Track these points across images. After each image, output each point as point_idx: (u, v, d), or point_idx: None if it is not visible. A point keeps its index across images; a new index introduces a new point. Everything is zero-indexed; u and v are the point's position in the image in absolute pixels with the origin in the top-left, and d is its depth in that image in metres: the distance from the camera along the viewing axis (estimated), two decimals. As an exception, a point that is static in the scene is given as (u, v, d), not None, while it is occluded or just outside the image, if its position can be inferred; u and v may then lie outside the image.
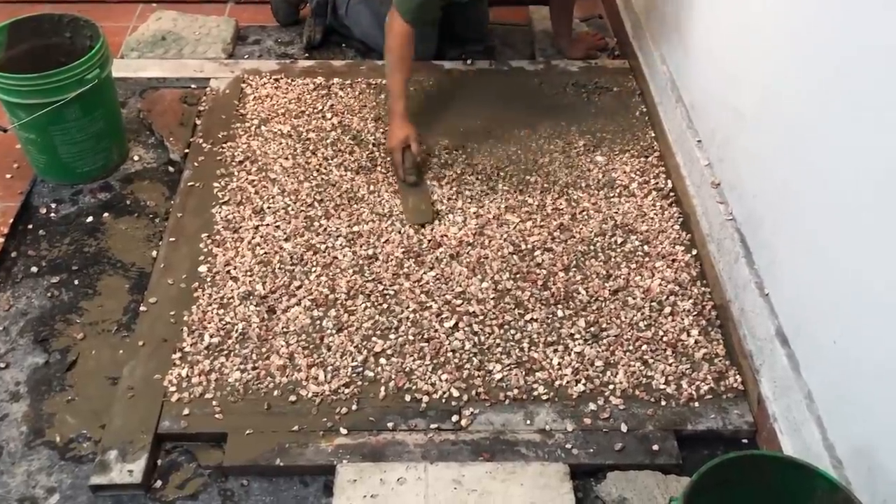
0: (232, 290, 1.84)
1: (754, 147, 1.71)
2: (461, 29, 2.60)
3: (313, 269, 1.89)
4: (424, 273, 1.88)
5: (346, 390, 1.66)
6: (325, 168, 2.17)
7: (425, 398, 1.65)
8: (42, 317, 1.83)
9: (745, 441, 1.63)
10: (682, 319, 1.80)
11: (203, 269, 1.89)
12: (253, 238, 1.96)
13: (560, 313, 1.80)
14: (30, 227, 2.04)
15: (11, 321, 1.83)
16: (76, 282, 1.91)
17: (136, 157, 2.26)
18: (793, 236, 1.55)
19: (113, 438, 1.58)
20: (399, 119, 2.13)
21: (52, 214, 2.08)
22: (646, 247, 1.96)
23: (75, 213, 2.09)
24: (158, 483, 1.55)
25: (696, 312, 1.81)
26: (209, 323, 1.77)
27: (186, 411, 1.62)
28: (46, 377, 1.72)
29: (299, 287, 1.85)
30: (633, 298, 1.84)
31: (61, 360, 1.75)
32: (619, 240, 1.98)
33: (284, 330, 1.76)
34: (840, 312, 1.38)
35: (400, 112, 2.14)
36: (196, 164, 2.18)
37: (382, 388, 1.66)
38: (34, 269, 1.94)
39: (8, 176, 2.18)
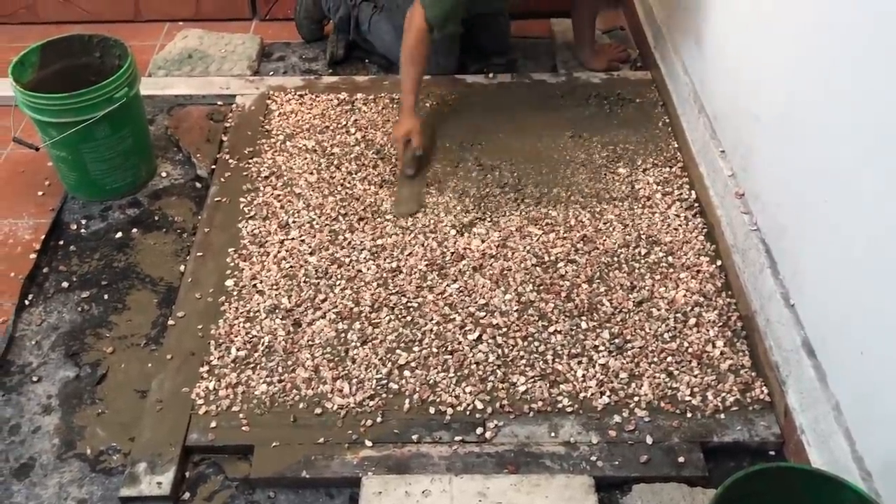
0: (258, 304, 1.86)
1: (777, 156, 1.71)
2: (483, 43, 2.62)
3: (338, 282, 1.91)
4: (448, 285, 1.89)
5: (371, 403, 1.67)
6: (349, 182, 2.19)
7: (449, 410, 1.65)
8: (73, 331, 1.87)
9: (772, 453, 1.61)
10: (708, 330, 1.79)
11: (230, 283, 1.92)
12: (279, 252, 1.99)
13: (584, 325, 1.80)
14: (61, 243, 2.09)
15: (43, 335, 1.86)
16: (106, 296, 1.94)
17: (163, 174, 2.29)
18: (818, 246, 1.54)
19: (142, 451, 1.60)
20: (406, 112, 2.21)
21: (83, 230, 2.12)
22: (670, 258, 1.96)
23: (105, 228, 2.13)
24: (187, 495, 1.57)
25: (721, 323, 1.80)
26: (236, 336, 1.80)
27: (214, 424, 1.64)
28: (77, 390, 1.75)
29: (324, 300, 1.87)
30: (658, 310, 1.83)
31: (92, 374, 1.78)
32: (643, 251, 1.97)
33: (310, 343, 1.78)
34: (867, 323, 1.37)
35: (408, 106, 2.21)
36: (223, 179, 2.21)
37: (407, 401, 1.67)
38: (65, 284, 1.97)
39: (40, 193, 2.23)
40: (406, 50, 2.18)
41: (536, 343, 1.77)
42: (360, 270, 1.94)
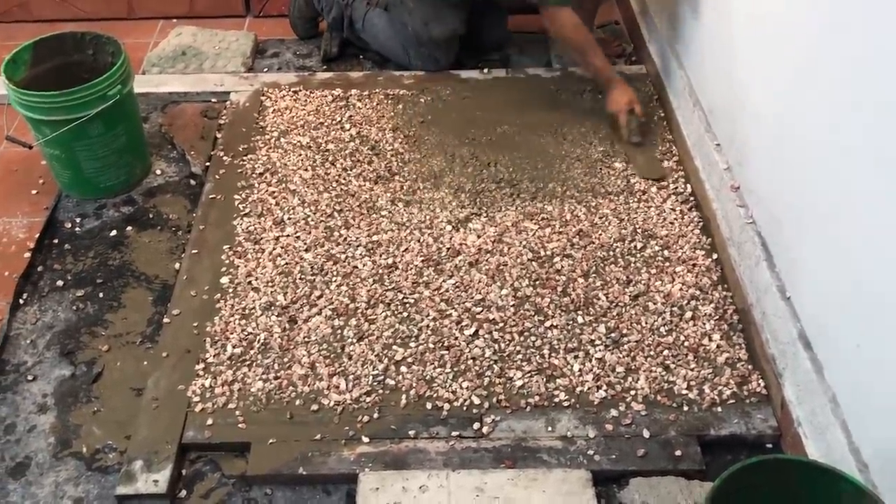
0: (254, 301, 1.86)
1: (773, 149, 1.71)
2: (482, 40, 2.62)
3: (333, 278, 1.91)
4: (444, 281, 1.89)
5: (368, 399, 1.67)
6: (344, 179, 2.18)
7: (446, 406, 1.65)
8: (68, 329, 1.86)
9: (769, 446, 1.61)
10: (704, 324, 1.79)
11: (225, 280, 1.91)
12: (274, 249, 1.98)
13: (580, 319, 1.80)
14: (55, 241, 2.08)
15: (38, 334, 1.85)
16: (101, 295, 1.94)
17: (158, 171, 2.29)
18: (814, 239, 1.54)
19: (138, 449, 1.59)
20: (620, 84, 2.30)
21: (77, 229, 2.11)
22: (666, 251, 1.96)
23: (99, 227, 2.12)
24: (183, 493, 1.57)
25: (717, 317, 1.80)
26: (231, 333, 1.79)
27: (210, 421, 1.63)
28: (73, 389, 1.75)
29: (320, 297, 1.86)
30: (654, 303, 1.83)
31: (87, 372, 1.78)
32: (639, 245, 1.97)
33: (306, 339, 1.77)
34: (863, 315, 1.37)
35: (613, 77, 2.31)
36: (217, 176, 2.21)
37: (403, 397, 1.67)
38: (60, 282, 1.97)
39: (33, 192, 2.22)
40: (580, 40, 2.28)
41: (533, 338, 1.77)
42: (355, 267, 1.93)
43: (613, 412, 1.63)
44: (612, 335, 1.77)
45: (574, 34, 2.27)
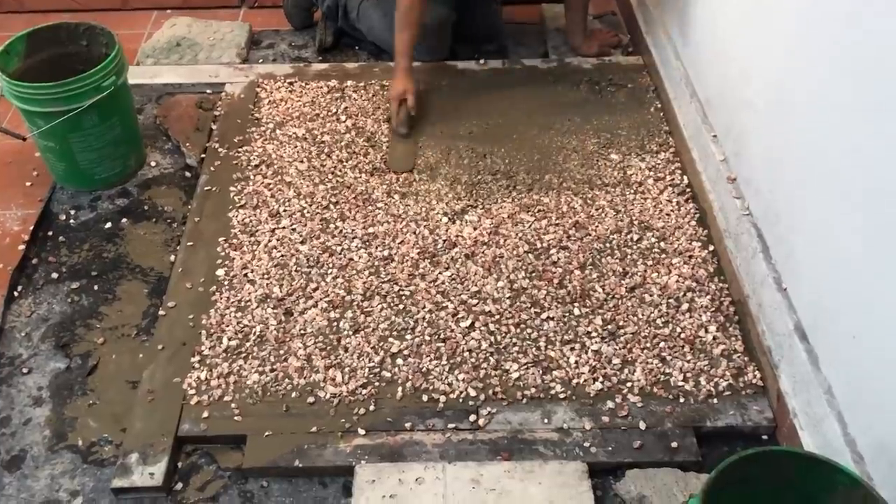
0: (249, 294, 1.85)
1: (770, 141, 1.70)
2: (475, 29, 2.61)
3: (329, 270, 1.90)
4: (440, 273, 1.89)
5: (364, 391, 1.66)
6: (340, 170, 2.18)
7: (442, 398, 1.65)
8: (63, 322, 1.86)
9: (764, 437, 1.62)
10: (700, 316, 1.79)
11: (221, 272, 1.91)
12: (269, 241, 1.98)
13: (576, 311, 1.80)
14: (50, 233, 2.07)
15: (33, 327, 1.85)
16: (96, 287, 1.93)
17: (153, 163, 2.28)
18: (810, 231, 1.53)
19: (134, 442, 1.59)
20: (401, 73, 2.27)
21: (72, 221, 2.11)
22: (662, 243, 1.96)
23: (94, 219, 2.11)
24: (179, 485, 1.57)
25: (713, 308, 1.80)
26: (227, 326, 1.79)
27: (206, 414, 1.63)
28: (68, 382, 1.74)
29: (316, 289, 1.86)
30: (650, 295, 1.83)
31: (82, 365, 1.77)
32: (636, 237, 1.97)
33: (302, 332, 1.77)
34: (859, 307, 1.37)
35: (403, 67, 2.27)
36: (212, 168, 2.20)
37: (400, 389, 1.66)
38: (55, 275, 1.96)
39: (28, 184, 2.21)
40: (400, 13, 2.22)
41: (529, 330, 1.77)
42: (351, 259, 1.93)
43: (610, 404, 1.63)
44: (609, 327, 1.77)
45: (405, 5, 2.19)
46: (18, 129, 2.10)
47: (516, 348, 1.73)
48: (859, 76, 1.35)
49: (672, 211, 2.04)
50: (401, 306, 1.82)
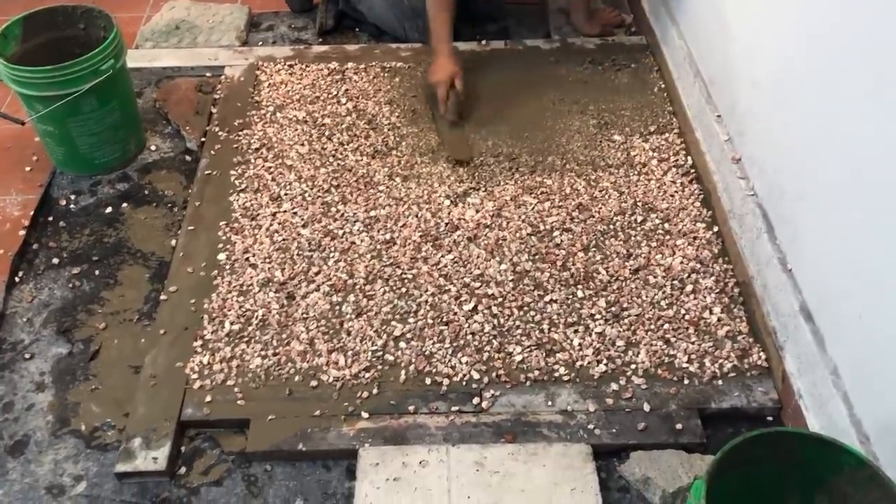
0: (251, 277, 1.84)
1: (774, 120, 1.68)
2: (476, 9, 2.58)
3: (331, 254, 1.89)
4: (442, 256, 1.88)
5: (367, 374, 1.66)
6: (341, 153, 2.16)
7: (446, 381, 1.64)
8: (64, 307, 1.85)
9: (769, 418, 1.61)
10: (705, 297, 1.78)
11: (222, 256, 1.90)
12: (271, 225, 1.97)
13: (580, 294, 1.79)
14: (50, 218, 2.06)
15: (35, 312, 1.84)
16: (97, 272, 1.92)
17: (153, 147, 2.26)
18: (815, 211, 1.52)
19: (137, 426, 1.59)
20: (445, 56, 2.21)
21: (72, 206, 2.10)
22: (666, 225, 1.94)
23: (94, 203, 2.10)
24: (183, 469, 1.57)
25: (718, 290, 1.79)
26: (229, 310, 1.78)
27: (209, 398, 1.63)
28: (70, 367, 1.74)
29: (318, 273, 1.85)
30: (654, 277, 1.82)
31: (84, 350, 1.77)
32: (639, 218, 1.96)
33: (304, 316, 1.76)
34: (865, 287, 1.36)
35: (446, 51, 2.21)
36: (213, 152, 2.19)
37: (403, 372, 1.66)
38: (55, 260, 1.95)
39: (27, 169, 2.20)
40: None
41: (532, 312, 1.76)
42: (353, 242, 1.92)
43: (614, 386, 1.63)
44: (613, 309, 1.76)
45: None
46: (17, 113, 2.08)
47: (519, 331, 1.72)
48: (867, 54, 1.33)
49: (676, 192, 2.03)
50: (403, 290, 1.81)
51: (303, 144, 2.19)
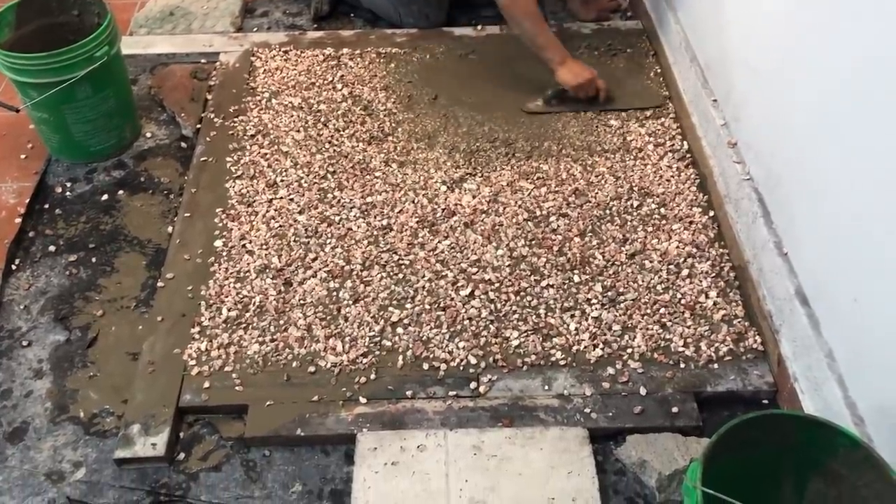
0: (248, 264, 1.85)
1: (771, 105, 1.68)
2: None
3: (328, 240, 1.89)
4: (439, 242, 1.88)
5: (365, 360, 1.66)
6: (337, 139, 2.16)
7: (443, 366, 1.65)
8: (62, 295, 1.85)
9: (765, 402, 1.62)
10: (701, 281, 1.79)
11: (219, 243, 1.90)
12: (267, 211, 1.96)
13: (576, 279, 1.79)
14: (46, 206, 2.06)
15: (32, 300, 1.84)
16: (94, 259, 1.92)
17: (148, 134, 2.26)
18: (812, 195, 1.52)
19: (135, 413, 1.59)
20: (572, 59, 2.21)
21: (68, 193, 2.09)
22: (662, 209, 1.95)
23: (90, 191, 2.10)
24: (181, 455, 1.57)
25: (714, 274, 1.80)
26: (226, 297, 1.78)
27: (207, 384, 1.63)
28: (68, 354, 1.74)
29: (315, 259, 1.85)
30: (651, 262, 1.83)
31: (82, 338, 1.77)
32: (636, 203, 1.96)
33: (301, 302, 1.77)
34: (860, 271, 1.37)
35: (568, 54, 2.21)
36: (208, 139, 2.18)
37: (400, 357, 1.66)
38: (52, 247, 1.95)
39: (22, 156, 2.19)
40: (529, 16, 2.15)
41: (529, 297, 1.76)
42: (350, 228, 1.92)
43: (610, 370, 1.64)
44: (609, 294, 1.76)
45: (527, 5, 2.16)
46: (12, 100, 2.07)
47: (516, 316, 1.73)
48: (863, 38, 1.33)
49: (672, 177, 2.03)
50: (400, 275, 1.81)
51: (298, 131, 2.18)
